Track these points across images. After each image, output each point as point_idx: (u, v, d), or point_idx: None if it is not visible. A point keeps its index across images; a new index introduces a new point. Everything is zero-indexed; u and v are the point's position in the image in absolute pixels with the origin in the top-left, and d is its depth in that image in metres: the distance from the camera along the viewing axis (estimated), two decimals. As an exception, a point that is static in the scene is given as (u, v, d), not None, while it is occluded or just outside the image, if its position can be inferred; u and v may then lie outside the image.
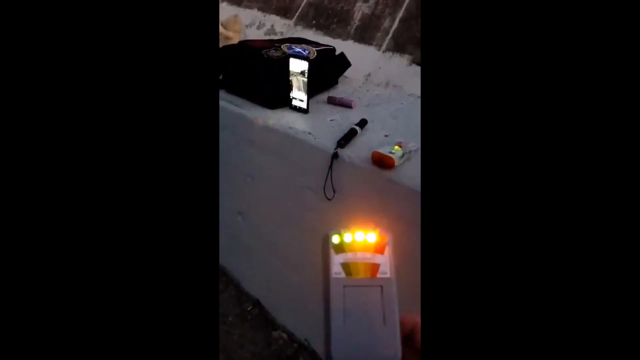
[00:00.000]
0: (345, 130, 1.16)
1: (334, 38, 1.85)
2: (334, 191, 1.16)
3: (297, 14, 1.98)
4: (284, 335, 1.58)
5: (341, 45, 1.77)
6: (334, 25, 1.91)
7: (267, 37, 1.98)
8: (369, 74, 1.72)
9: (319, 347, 1.50)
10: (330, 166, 1.13)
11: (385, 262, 0.35)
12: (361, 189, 1.12)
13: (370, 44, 1.78)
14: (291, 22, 1.98)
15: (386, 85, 1.65)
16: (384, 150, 1.03)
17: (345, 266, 0.35)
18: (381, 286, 0.34)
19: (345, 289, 0.34)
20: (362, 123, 1.18)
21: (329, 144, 1.14)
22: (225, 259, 1.74)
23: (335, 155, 1.12)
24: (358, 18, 1.87)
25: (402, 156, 1.02)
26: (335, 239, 0.36)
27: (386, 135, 1.16)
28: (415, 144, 1.06)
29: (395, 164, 1.01)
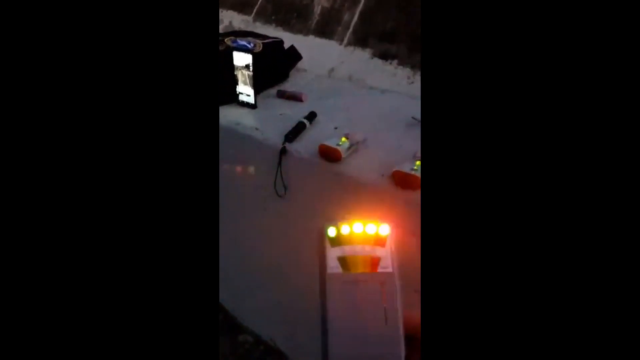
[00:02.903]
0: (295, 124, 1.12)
1: (294, 34, 1.82)
2: (285, 188, 1.12)
3: (255, 9, 1.94)
4: (250, 339, 1.54)
5: (303, 41, 1.74)
6: (294, 20, 1.87)
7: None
8: (332, 69, 1.69)
9: (285, 347, 1.46)
10: (279, 162, 1.09)
11: (386, 256, 0.32)
12: (312, 183, 1.09)
13: (331, 38, 1.75)
14: (249, 18, 1.93)
15: (349, 80, 1.62)
16: (330, 143, 1.00)
17: (343, 260, 0.32)
18: (382, 281, 0.31)
19: (342, 285, 0.31)
20: (311, 116, 1.15)
21: (278, 139, 1.10)
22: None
23: (283, 150, 1.08)
24: (318, 12, 1.83)
25: (349, 148, 0.99)
26: (332, 232, 0.33)
27: (336, 128, 1.13)
28: (362, 134, 1.03)
29: (342, 156, 0.98)
